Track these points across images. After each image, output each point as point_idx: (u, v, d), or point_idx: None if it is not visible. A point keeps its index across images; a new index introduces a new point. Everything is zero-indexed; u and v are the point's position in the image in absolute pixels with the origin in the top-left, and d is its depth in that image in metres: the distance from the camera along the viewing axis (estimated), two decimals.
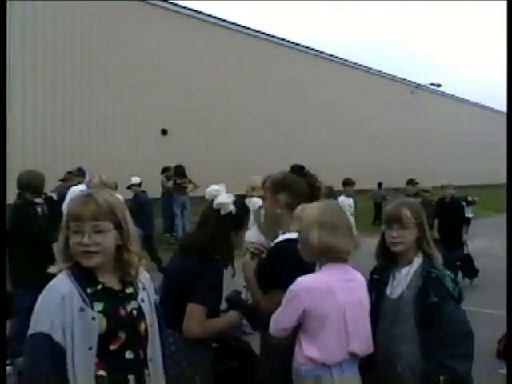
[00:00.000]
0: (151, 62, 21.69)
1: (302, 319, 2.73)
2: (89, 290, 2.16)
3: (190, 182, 14.17)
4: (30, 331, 2.10)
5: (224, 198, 3.12)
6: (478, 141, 48.08)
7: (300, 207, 2.88)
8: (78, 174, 9.86)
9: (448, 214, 10.22)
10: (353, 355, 2.79)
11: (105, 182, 5.95)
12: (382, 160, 34.01)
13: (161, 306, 2.81)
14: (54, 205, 7.05)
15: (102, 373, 2.14)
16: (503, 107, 56.71)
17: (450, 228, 10.09)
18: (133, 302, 2.28)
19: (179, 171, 13.90)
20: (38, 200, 6.14)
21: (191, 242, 3.15)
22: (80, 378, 2.09)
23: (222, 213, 3.10)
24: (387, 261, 3.09)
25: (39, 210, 6.02)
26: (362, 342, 2.79)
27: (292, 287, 2.72)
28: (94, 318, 2.13)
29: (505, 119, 53.75)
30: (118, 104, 20.80)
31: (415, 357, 2.87)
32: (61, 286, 2.14)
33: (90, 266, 2.18)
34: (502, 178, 44.87)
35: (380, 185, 22.56)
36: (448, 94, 45.65)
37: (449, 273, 2.90)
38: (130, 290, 2.30)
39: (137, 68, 21.26)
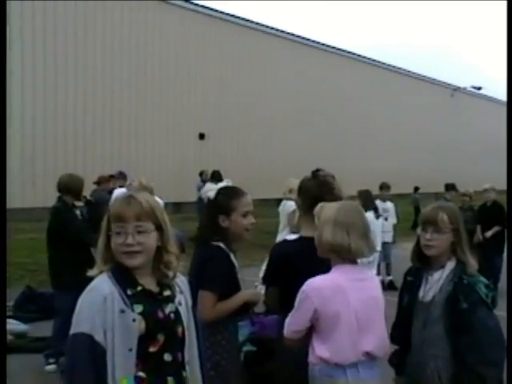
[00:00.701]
0: (182, 62, 21.81)
1: (314, 319, 2.74)
2: (129, 292, 2.18)
3: None
4: (72, 331, 2.13)
5: (206, 187, 3.29)
6: None
7: (320, 205, 2.90)
8: (119, 178, 10.01)
9: (489, 219, 10.03)
10: (369, 356, 2.79)
11: (144, 185, 6.03)
12: (420, 164, 33.60)
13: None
14: (94, 208, 7.17)
15: (141, 374, 2.17)
16: None
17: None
18: (170, 305, 2.29)
19: (216, 176, 14.00)
20: (78, 203, 6.24)
21: (196, 237, 3.30)
22: (119, 378, 2.11)
23: (205, 201, 3.26)
24: (421, 263, 3.07)
25: (78, 212, 6.12)
26: (376, 341, 2.79)
27: (303, 288, 2.74)
28: (134, 320, 2.14)
29: None
30: (153, 108, 20.99)
31: (444, 361, 2.86)
32: (102, 287, 2.15)
33: (133, 265, 2.20)
34: None
35: (416, 189, 22.27)
36: (488, 96, 44.83)
37: (483, 279, 2.87)
38: (167, 292, 2.31)
39: (170, 69, 21.46)
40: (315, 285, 2.73)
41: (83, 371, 2.07)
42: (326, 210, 2.83)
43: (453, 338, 2.84)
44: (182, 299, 2.38)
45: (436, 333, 2.90)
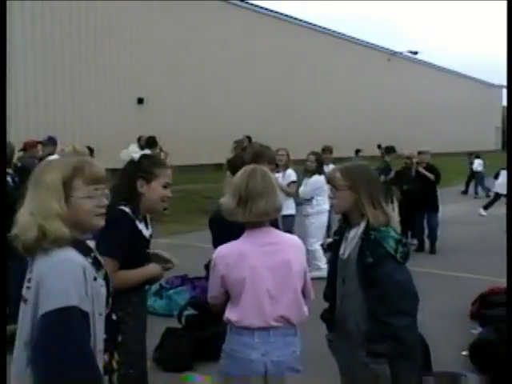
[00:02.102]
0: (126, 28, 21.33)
1: (224, 286, 2.83)
2: (89, 259, 2.18)
3: (161, 150, 14.04)
4: (61, 305, 2.01)
5: (130, 148, 3.13)
6: (455, 109, 48.39)
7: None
8: (48, 144, 9.52)
9: (424, 180, 10.69)
10: (284, 321, 2.83)
11: (78, 150, 5.80)
12: (359, 128, 34.07)
13: None
14: (24, 175, 6.93)
15: (104, 337, 2.25)
16: (479, 75, 57.04)
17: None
18: (102, 270, 2.30)
19: (150, 141, 13.79)
20: (8, 170, 6.03)
21: None
22: (99, 342, 2.18)
23: (126, 162, 3.12)
24: (344, 222, 3.16)
25: (9, 179, 5.92)
26: (289, 306, 2.83)
27: (213, 255, 2.85)
28: (102, 286, 2.20)
29: (481, 87, 54.01)
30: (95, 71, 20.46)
31: (361, 314, 2.95)
32: (76, 258, 2.11)
33: (100, 227, 2.24)
34: (478, 146, 45.24)
35: (357, 152, 22.58)
36: (424, 61, 45.70)
37: (393, 234, 2.92)
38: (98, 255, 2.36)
39: (108, 34, 20.91)
40: (221, 253, 2.83)
41: (83, 343, 2.05)
42: (234, 178, 2.91)
43: (366, 292, 2.92)
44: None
45: (353, 288, 2.98)
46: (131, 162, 3.11)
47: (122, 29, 21.60)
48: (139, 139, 15.25)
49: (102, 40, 20.91)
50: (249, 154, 3.33)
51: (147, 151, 3.23)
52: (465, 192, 21.78)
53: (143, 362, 3.23)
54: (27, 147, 9.35)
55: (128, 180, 3.08)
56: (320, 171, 8.58)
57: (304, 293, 2.96)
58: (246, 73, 27.08)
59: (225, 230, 3.01)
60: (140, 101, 22.45)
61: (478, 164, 21.80)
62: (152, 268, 3.17)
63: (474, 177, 21.81)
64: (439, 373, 4.59)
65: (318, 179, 8.34)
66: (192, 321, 5.74)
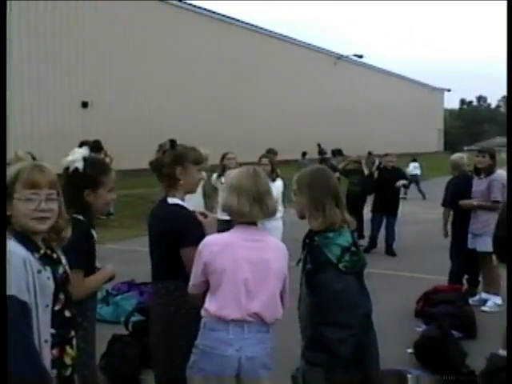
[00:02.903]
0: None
1: (205, 274, 2.89)
2: (36, 255, 2.31)
3: (106, 155, 13.83)
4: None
5: (71, 156, 3.08)
6: (399, 111, 49.41)
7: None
8: None
9: (391, 182, 10.67)
10: (258, 318, 2.85)
11: (19, 157, 5.65)
12: (306, 131, 34.37)
13: None
14: None
15: (52, 330, 2.35)
16: (422, 78, 58.48)
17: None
18: (61, 267, 2.45)
19: (95, 146, 13.57)
20: None
21: None
22: (44, 332, 2.29)
23: (70, 171, 3.07)
24: None
25: None
26: (265, 303, 2.85)
27: (200, 244, 2.93)
28: (48, 278, 2.31)
29: (425, 90, 55.38)
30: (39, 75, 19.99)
31: (306, 321, 2.93)
32: (18, 250, 2.24)
33: (42, 230, 2.34)
34: (421, 147, 46.24)
35: (304, 154, 22.79)
36: (369, 64, 46.53)
37: (340, 241, 2.83)
38: (55, 255, 2.46)
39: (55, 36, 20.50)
40: (206, 241, 2.92)
41: (23, 332, 2.17)
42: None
43: (308, 299, 2.89)
44: (64, 260, 2.54)
45: (303, 293, 2.96)
46: (75, 172, 3.06)
47: (66, 32, 21.21)
48: (82, 144, 14.99)
49: (44, 43, 20.46)
50: (169, 156, 3.32)
51: (86, 153, 3.14)
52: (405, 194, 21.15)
53: (94, 363, 3.28)
54: None
55: (75, 191, 3.03)
56: (277, 174, 8.06)
57: (281, 298, 2.98)
58: (191, 75, 26.95)
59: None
60: (84, 104, 22.06)
61: (413, 167, 21.77)
62: (108, 270, 3.19)
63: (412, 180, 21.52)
64: (385, 370, 4.66)
65: (281, 183, 7.84)
66: (139, 327, 5.64)
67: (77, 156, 3.08)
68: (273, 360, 3.01)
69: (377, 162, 11.40)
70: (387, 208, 10.62)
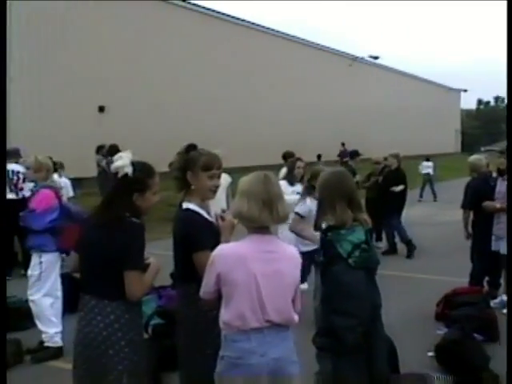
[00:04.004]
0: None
1: (218, 284, 2.89)
2: None
3: None
4: None
5: (120, 161, 3.13)
6: (416, 112, 49.13)
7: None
8: (12, 154, 9.46)
9: (394, 182, 10.87)
10: (273, 324, 2.87)
11: (40, 161, 5.75)
12: (321, 133, 34.30)
13: (88, 280, 3.09)
14: None
15: None
16: (438, 79, 58.11)
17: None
18: None
19: (113, 150, 13.62)
20: None
21: (101, 213, 3.16)
22: None
23: (119, 175, 3.12)
24: None
25: None
26: (279, 311, 2.87)
27: (212, 253, 2.92)
28: None
29: (441, 91, 54.95)
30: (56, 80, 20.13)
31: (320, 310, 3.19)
32: None
33: None
34: (441, 148, 45.73)
35: (319, 157, 22.74)
36: (385, 65, 46.30)
37: (351, 237, 3.03)
38: None
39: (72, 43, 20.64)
40: (221, 252, 2.89)
41: None
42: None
43: (321, 289, 3.14)
44: None
45: (319, 283, 3.31)
46: (126, 177, 3.11)
47: (82, 37, 21.36)
48: (99, 148, 15.08)
49: (60, 49, 20.62)
50: (179, 161, 3.43)
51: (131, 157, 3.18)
52: (420, 197, 20.70)
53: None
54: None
55: (125, 195, 3.11)
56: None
57: (293, 303, 3.00)
58: (207, 79, 27.00)
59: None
60: (101, 109, 22.19)
61: (425, 166, 21.41)
62: (154, 264, 3.24)
63: (425, 180, 21.16)
64: (406, 374, 4.63)
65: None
66: (159, 330, 5.67)
67: (125, 161, 3.12)
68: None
69: (380, 166, 11.43)
70: (391, 210, 10.80)
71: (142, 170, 3.16)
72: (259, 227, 2.90)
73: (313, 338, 3.11)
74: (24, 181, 8.93)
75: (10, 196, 8.28)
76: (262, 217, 2.85)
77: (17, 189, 8.94)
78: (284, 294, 2.91)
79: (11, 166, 9.05)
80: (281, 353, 2.88)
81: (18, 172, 9.05)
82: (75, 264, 3.26)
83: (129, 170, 3.10)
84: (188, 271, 3.27)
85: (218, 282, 2.87)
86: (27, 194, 8.75)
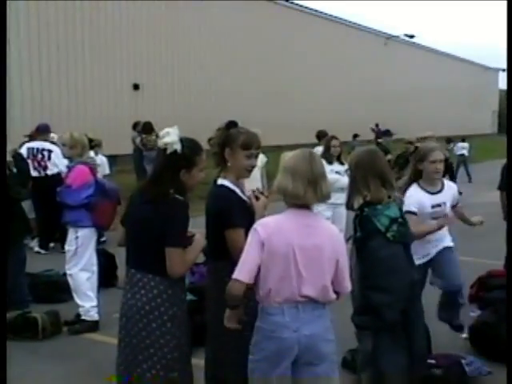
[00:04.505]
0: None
1: (260, 252, 2.84)
2: None
3: (157, 136, 13.98)
4: None
5: (169, 137, 3.12)
6: (452, 93, 48.27)
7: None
8: (42, 130, 9.54)
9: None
10: (310, 300, 2.88)
11: (76, 138, 5.82)
12: (356, 113, 33.96)
13: (134, 254, 3.13)
14: (23, 161, 6.95)
15: None
16: (475, 58, 56.89)
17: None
18: None
19: (146, 127, 13.70)
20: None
21: (148, 189, 3.18)
22: None
23: (168, 152, 3.11)
24: None
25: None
26: (316, 287, 2.87)
27: (254, 225, 2.94)
28: None
29: (478, 70, 53.80)
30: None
31: (358, 288, 3.14)
32: None
33: None
34: (477, 129, 44.95)
35: (355, 136, 22.56)
36: (421, 44, 45.49)
37: (388, 212, 3.05)
38: None
39: (104, 22, 20.76)
40: (263, 221, 2.95)
41: None
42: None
43: (359, 266, 3.13)
44: None
45: (354, 261, 3.19)
46: (174, 153, 3.11)
47: (118, 17, 21.45)
48: (135, 125, 15.21)
49: (97, 27, 20.75)
50: (219, 137, 3.41)
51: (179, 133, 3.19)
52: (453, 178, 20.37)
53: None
54: (38, 133, 9.42)
55: (173, 171, 3.12)
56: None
57: (334, 283, 2.96)
58: (241, 57, 26.91)
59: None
60: (136, 87, 22.34)
61: (460, 147, 20.88)
62: (198, 242, 3.24)
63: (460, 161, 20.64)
64: (440, 355, 4.61)
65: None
66: (191, 306, 5.71)
67: (173, 138, 3.11)
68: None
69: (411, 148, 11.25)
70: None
71: (191, 147, 3.16)
72: (302, 205, 2.91)
73: (351, 316, 3.13)
74: (50, 158, 8.96)
75: (34, 174, 8.34)
76: (307, 195, 2.86)
77: (40, 167, 8.95)
78: (322, 269, 2.89)
79: (35, 144, 9.13)
80: (315, 330, 2.88)
81: (43, 150, 9.06)
82: (122, 238, 3.31)
83: (178, 146, 3.10)
84: (219, 248, 3.27)
85: (261, 250, 2.83)
86: (52, 171, 8.88)
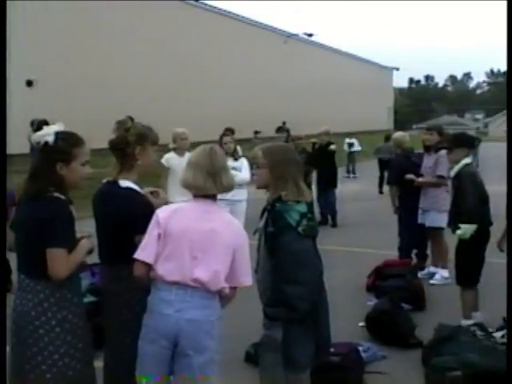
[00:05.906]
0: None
1: (159, 229, 2.97)
2: None
3: None
4: None
5: (42, 131, 3.04)
6: (349, 90, 49.79)
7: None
8: None
9: (322, 158, 11.43)
10: (201, 285, 2.93)
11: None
12: (256, 110, 34.29)
13: (19, 259, 3.02)
14: None
15: None
16: (372, 57, 59.04)
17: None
18: None
19: (40, 125, 13.22)
20: None
21: (26, 186, 3.04)
22: None
23: (41, 144, 3.01)
24: None
25: None
26: (208, 271, 2.93)
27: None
28: None
29: (374, 69, 55.59)
30: None
31: (268, 281, 3.20)
32: None
33: None
34: (374, 125, 46.46)
35: (256, 133, 22.83)
36: (320, 43, 46.61)
37: (299, 208, 3.12)
38: None
39: None
40: (164, 206, 3.13)
41: None
42: (192, 156, 3.16)
43: (269, 260, 3.17)
44: None
45: (263, 256, 3.24)
46: (48, 146, 2.98)
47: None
48: (32, 123, 14.60)
49: None
50: (132, 135, 3.28)
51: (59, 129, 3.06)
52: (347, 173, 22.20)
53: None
54: None
55: (47, 165, 2.98)
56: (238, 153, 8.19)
57: (230, 275, 3.00)
58: (139, 52, 26.45)
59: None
60: (29, 83, 21.46)
61: (347, 144, 22.48)
62: (84, 243, 3.10)
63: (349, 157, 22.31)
64: (338, 343, 4.76)
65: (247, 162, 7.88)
66: (91, 308, 5.58)
67: (47, 130, 3.02)
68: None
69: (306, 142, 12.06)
70: (326, 182, 11.44)
71: (66, 139, 3.03)
72: (204, 195, 3.04)
73: (263, 309, 3.19)
74: None
75: None
76: (207, 185, 3.00)
77: None
78: (216, 253, 2.96)
79: None
80: (198, 317, 2.92)
81: None
82: (11, 242, 3.18)
83: (50, 138, 2.98)
84: (121, 252, 3.15)
85: (159, 233, 2.95)
86: None
